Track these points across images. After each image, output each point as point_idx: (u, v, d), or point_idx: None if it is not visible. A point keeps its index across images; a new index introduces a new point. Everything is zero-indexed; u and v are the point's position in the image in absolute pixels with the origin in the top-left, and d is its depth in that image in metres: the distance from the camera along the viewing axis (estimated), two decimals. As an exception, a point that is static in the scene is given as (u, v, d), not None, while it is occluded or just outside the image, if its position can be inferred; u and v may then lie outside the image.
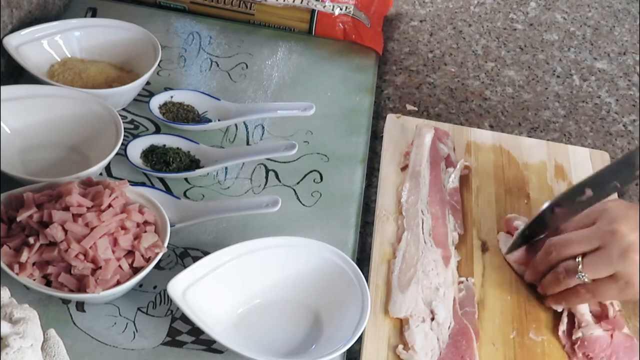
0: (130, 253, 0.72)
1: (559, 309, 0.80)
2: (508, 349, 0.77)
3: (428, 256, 0.82)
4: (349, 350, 0.72)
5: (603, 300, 0.79)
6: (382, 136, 0.97)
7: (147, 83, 0.96)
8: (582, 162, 0.98)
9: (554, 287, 0.78)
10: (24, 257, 0.69)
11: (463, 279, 0.82)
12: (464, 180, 0.93)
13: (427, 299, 0.78)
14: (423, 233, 0.84)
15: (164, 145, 0.89)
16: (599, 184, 0.78)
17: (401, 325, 0.77)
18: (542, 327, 0.80)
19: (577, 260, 0.75)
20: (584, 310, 0.79)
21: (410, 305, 0.77)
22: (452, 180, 0.91)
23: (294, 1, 1.10)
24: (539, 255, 0.80)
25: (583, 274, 0.75)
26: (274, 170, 0.90)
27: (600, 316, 0.79)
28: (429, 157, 0.92)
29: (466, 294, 0.80)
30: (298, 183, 0.89)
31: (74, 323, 0.73)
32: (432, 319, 0.77)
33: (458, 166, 0.92)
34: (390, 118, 0.99)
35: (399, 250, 0.83)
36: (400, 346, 0.75)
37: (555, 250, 0.77)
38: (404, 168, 0.93)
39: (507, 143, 0.99)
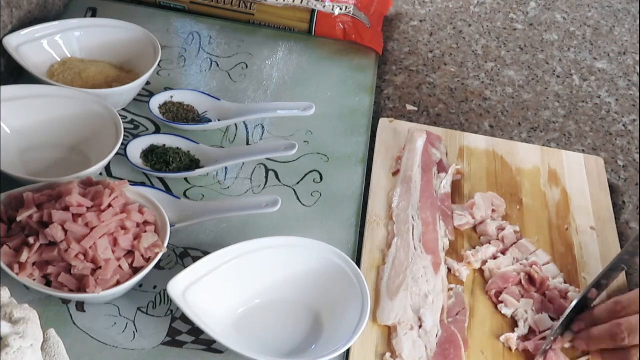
0: (130, 253, 0.72)
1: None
2: (497, 357, 0.76)
3: (418, 263, 0.81)
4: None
5: None
6: (380, 137, 0.98)
7: (147, 83, 0.96)
8: (576, 168, 0.97)
9: (603, 344, 0.74)
10: (24, 257, 0.69)
11: (453, 285, 0.81)
12: (456, 185, 0.92)
13: (415, 306, 0.77)
14: (413, 239, 0.83)
15: (164, 145, 0.89)
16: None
17: (389, 333, 0.76)
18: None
19: None
20: None
21: (399, 312, 0.76)
22: (443, 185, 0.90)
23: (294, 1, 1.10)
24: (600, 309, 0.76)
25: None
26: (274, 170, 0.90)
27: None
28: (421, 162, 0.91)
29: (456, 301, 0.79)
30: (298, 183, 0.89)
31: (74, 323, 0.73)
32: (420, 326, 0.76)
33: (450, 171, 0.92)
34: (383, 122, 0.98)
35: (389, 257, 0.82)
36: (388, 354, 0.74)
37: (624, 309, 0.74)
38: (395, 173, 0.92)
39: (501, 148, 0.98)
